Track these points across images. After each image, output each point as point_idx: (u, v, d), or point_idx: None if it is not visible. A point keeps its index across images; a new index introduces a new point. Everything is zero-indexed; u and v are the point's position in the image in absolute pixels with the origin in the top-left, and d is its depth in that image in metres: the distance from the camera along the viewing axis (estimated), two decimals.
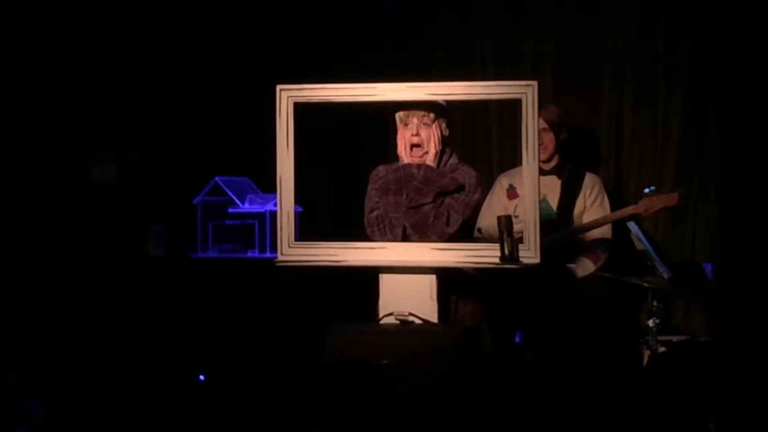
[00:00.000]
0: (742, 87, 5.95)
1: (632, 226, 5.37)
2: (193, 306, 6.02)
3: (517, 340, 5.43)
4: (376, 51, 6.52)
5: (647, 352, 5.09)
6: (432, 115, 4.82)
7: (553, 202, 5.70)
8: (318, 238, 4.79)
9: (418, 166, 4.81)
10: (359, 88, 4.71)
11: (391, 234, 4.78)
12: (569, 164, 5.78)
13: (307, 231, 5.13)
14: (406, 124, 4.84)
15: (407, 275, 4.60)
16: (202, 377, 5.92)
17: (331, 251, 4.72)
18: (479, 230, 5.55)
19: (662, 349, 5.07)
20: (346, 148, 6.60)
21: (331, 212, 6.48)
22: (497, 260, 4.50)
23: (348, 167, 6.43)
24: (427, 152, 4.83)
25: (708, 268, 5.75)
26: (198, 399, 5.83)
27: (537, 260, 4.52)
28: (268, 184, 5.63)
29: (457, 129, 5.44)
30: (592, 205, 5.70)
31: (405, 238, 4.78)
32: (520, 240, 4.54)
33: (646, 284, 5.14)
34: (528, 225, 4.54)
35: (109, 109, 6.62)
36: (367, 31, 6.60)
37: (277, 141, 4.73)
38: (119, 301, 6.12)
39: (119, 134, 6.65)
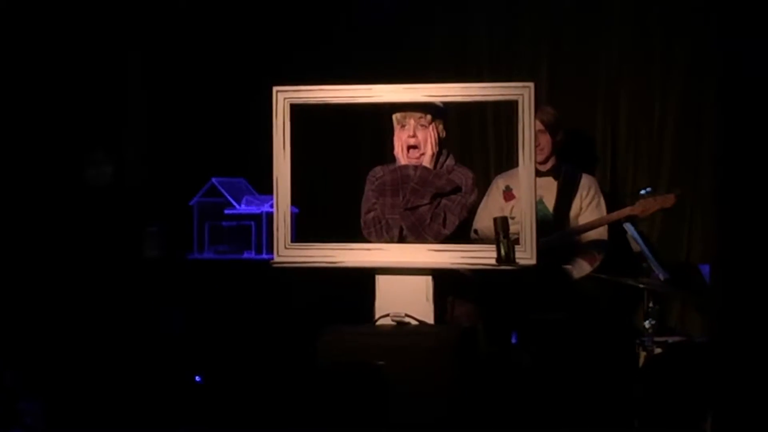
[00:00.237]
0: (738, 88, 5.95)
1: (628, 227, 5.38)
2: (189, 307, 6.01)
3: (514, 341, 5.43)
4: (372, 52, 6.52)
5: (643, 353, 5.09)
6: (429, 117, 4.82)
7: (550, 203, 5.70)
8: (314, 239, 4.79)
9: (415, 167, 4.81)
10: (356, 89, 4.71)
11: (388, 235, 4.79)
12: (565, 165, 5.79)
13: (303, 232, 5.13)
14: (403, 126, 4.85)
15: (403, 276, 4.60)
16: (198, 378, 5.92)
17: (327, 252, 4.72)
18: (475, 231, 5.55)
19: (658, 350, 5.08)
20: (343, 150, 6.60)
21: (327, 213, 6.48)
22: (493, 261, 4.51)
23: (344, 168, 6.43)
24: (423, 153, 4.83)
25: (704, 269, 5.76)
26: (194, 400, 5.82)
27: (533, 261, 4.52)
28: (264, 186, 5.63)
29: (453, 130, 5.45)
30: (588, 207, 5.70)
31: (401, 240, 4.78)
32: (517, 241, 4.55)
33: (642, 285, 5.14)
34: (524, 226, 4.54)
35: (107, 110, 6.62)
36: (363, 32, 6.60)
37: (274, 142, 4.73)
38: (115, 302, 6.11)
39: (116, 135, 6.65)
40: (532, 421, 5.00)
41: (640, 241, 5.29)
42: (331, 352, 4.42)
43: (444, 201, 4.78)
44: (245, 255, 6.04)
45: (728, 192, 6.00)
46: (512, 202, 5.61)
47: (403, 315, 4.53)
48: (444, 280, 4.63)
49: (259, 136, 5.16)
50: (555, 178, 5.73)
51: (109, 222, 6.37)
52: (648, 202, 5.51)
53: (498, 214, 4.83)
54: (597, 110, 6.32)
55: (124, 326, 6.07)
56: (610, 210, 5.70)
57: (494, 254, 4.51)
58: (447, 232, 4.76)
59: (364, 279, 4.68)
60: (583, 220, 5.68)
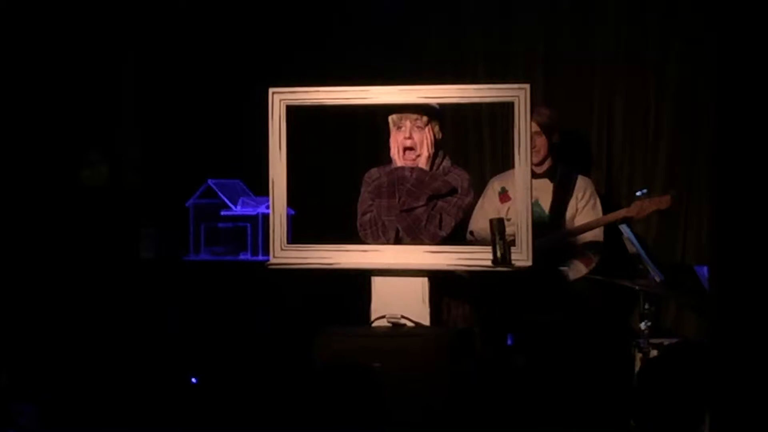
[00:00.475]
0: (734, 88, 5.95)
1: (624, 228, 5.37)
2: (185, 309, 6.01)
3: (509, 342, 5.43)
4: (368, 53, 6.51)
5: (639, 355, 5.09)
6: (425, 118, 4.82)
7: (546, 205, 5.70)
8: (311, 240, 4.79)
9: (411, 169, 4.81)
10: (352, 91, 4.72)
11: (384, 237, 4.78)
12: (561, 167, 5.79)
13: (299, 234, 5.13)
14: (399, 127, 4.84)
15: (399, 278, 4.60)
16: (194, 380, 5.92)
17: (323, 254, 4.72)
18: (471, 233, 5.55)
19: (654, 351, 5.08)
20: (339, 151, 6.59)
21: (323, 215, 6.47)
22: (489, 263, 4.51)
23: (340, 170, 6.42)
24: (419, 155, 4.83)
25: (699, 270, 5.76)
26: (190, 401, 5.82)
27: (529, 263, 4.52)
28: (260, 187, 5.62)
29: (449, 132, 5.45)
30: (584, 208, 5.70)
31: (398, 241, 4.78)
32: (513, 243, 4.55)
33: (637, 287, 5.14)
34: (520, 228, 4.54)
35: (103, 111, 6.61)
36: (359, 34, 6.59)
37: (270, 144, 4.73)
38: (111, 304, 6.11)
39: (112, 135, 6.65)
40: (527, 423, 5.00)
41: (635, 242, 5.29)
42: (326, 354, 4.43)
43: (440, 203, 4.78)
44: (241, 256, 6.04)
45: (724, 193, 6.00)
46: (508, 204, 5.61)
47: (399, 316, 4.53)
48: (440, 281, 4.64)
49: (255, 137, 5.16)
50: (551, 179, 5.73)
51: (105, 223, 6.37)
52: (643, 204, 5.51)
53: (494, 216, 4.83)
54: (593, 112, 6.32)
55: (120, 327, 6.07)
56: (605, 211, 5.70)
57: (490, 256, 4.51)
58: (443, 233, 4.76)
59: (360, 280, 4.68)
60: (579, 222, 5.68)
